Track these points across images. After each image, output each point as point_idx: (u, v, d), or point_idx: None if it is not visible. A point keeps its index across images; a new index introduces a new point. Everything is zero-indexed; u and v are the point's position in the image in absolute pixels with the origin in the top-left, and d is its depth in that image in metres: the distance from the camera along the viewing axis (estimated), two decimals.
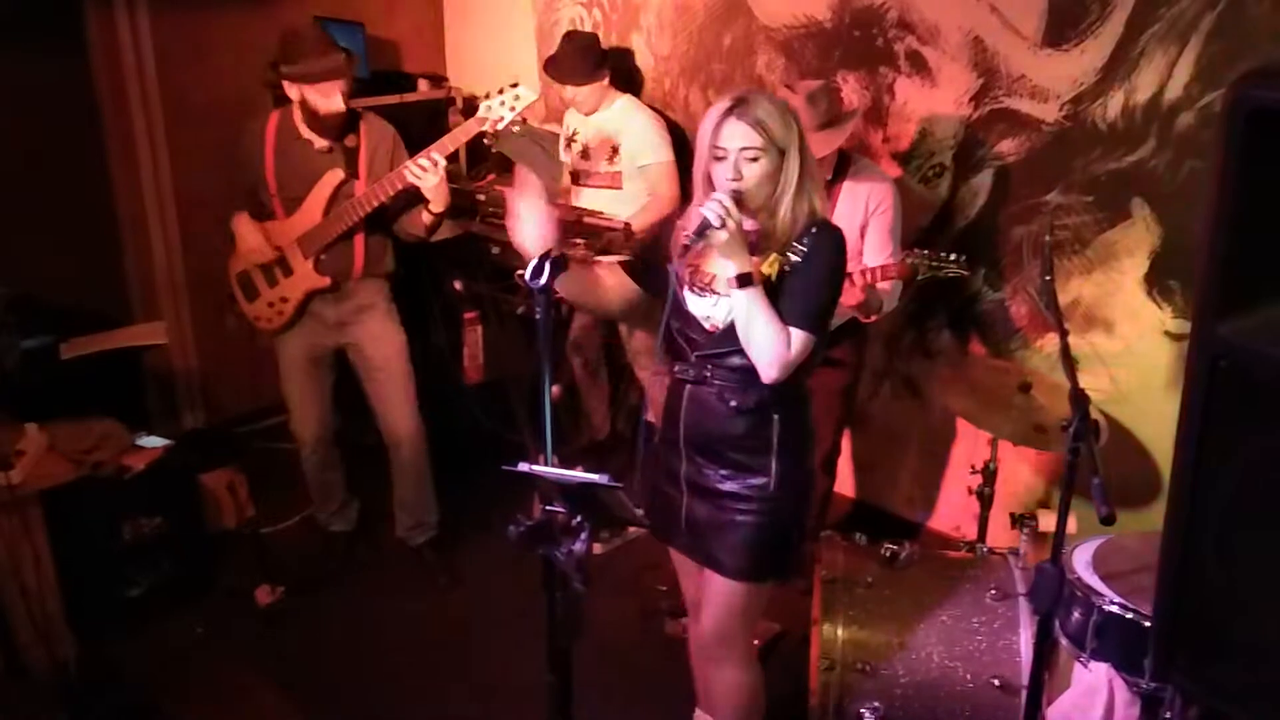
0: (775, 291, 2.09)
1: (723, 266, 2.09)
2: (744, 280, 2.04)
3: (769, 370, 2.08)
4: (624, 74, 4.13)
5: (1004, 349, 3.33)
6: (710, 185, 2.11)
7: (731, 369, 2.15)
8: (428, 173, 3.04)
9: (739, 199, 2.05)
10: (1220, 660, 1.37)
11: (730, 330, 2.12)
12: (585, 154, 3.90)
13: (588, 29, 4.30)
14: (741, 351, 2.11)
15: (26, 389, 3.20)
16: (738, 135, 2.05)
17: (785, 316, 2.07)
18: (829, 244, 2.12)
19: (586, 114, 3.86)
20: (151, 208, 4.21)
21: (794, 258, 2.10)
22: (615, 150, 3.83)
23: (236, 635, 3.28)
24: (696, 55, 4.02)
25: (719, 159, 2.08)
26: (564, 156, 4.05)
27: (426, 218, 3.20)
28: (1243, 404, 1.24)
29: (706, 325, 2.17)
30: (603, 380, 4.21)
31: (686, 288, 2.20)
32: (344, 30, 4.32)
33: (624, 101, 3.87)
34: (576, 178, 3.97)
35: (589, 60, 3.77)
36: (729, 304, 2.11)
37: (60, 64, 3.93)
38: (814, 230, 2.11)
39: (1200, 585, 1.36)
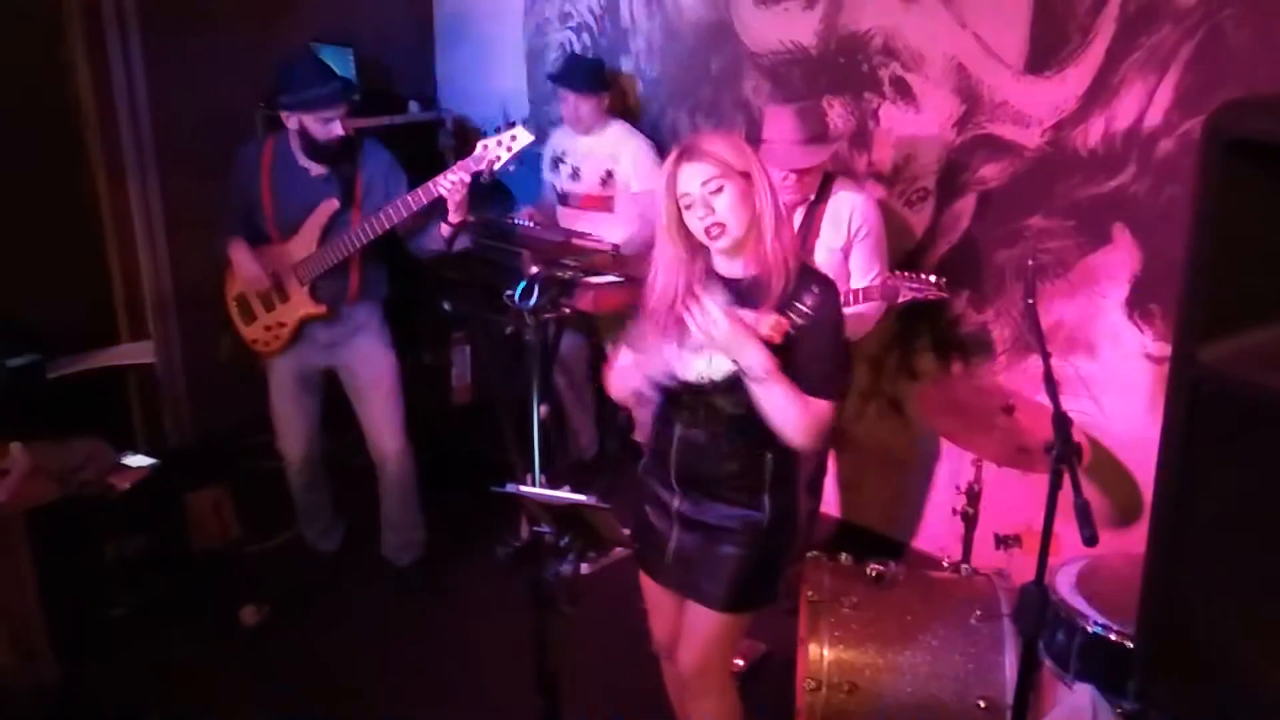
0: (784, 354, 2.04)
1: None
2: (758, 375, 2.00)
3: (802, 442, 2.08)
4: (618, 98, 4.16)
5: (988, 370, 3.36)
6: (682, 234, 2.07)
7: (727, 416, 2.13)
8: (456, 187, 3.03)
9: (721, 233, 2.02)
10: (1202, 683, 1.39)
11: (727, 383, 2.08)
12: (576, 175, 3.91)
13: (577, 52, 4.33)
14: (737, 401, 2.08)
15: (12, 407, 3.19)
16: (695, 173, 2.02)
17: (805, 386, 2.04)
18: (833, 305, 2.11)
19: (582, 132, 3.87)
20: (140, 225, 4.20)
21: (799, 320, 2.05)
22: (610, 174, 3.84)
23: (221, 655, 3.25)
24: (685, 80, 4.05)
25: (688, 207, 2.03)
26: (548, 176, 4.05)
27: (446, 230, 3.18)
28: (1223, 429, 1.26)
29: (701, 381, 2.13)
30: (589, 399, 4.22)
31: (677, 346, 2.13)
32: (335, 53, 4.34)
33: (618, 126, 3.89)
34: (565, 199, 3.98)
35: (595, 75, 3.82)
36: (725, 359, 2.06)
37: (48, 80, 3.93)
38: (815, 289, 2.07)
39: (1182, 608, 1.38)
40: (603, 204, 3.87)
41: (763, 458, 2.17)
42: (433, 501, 3.64)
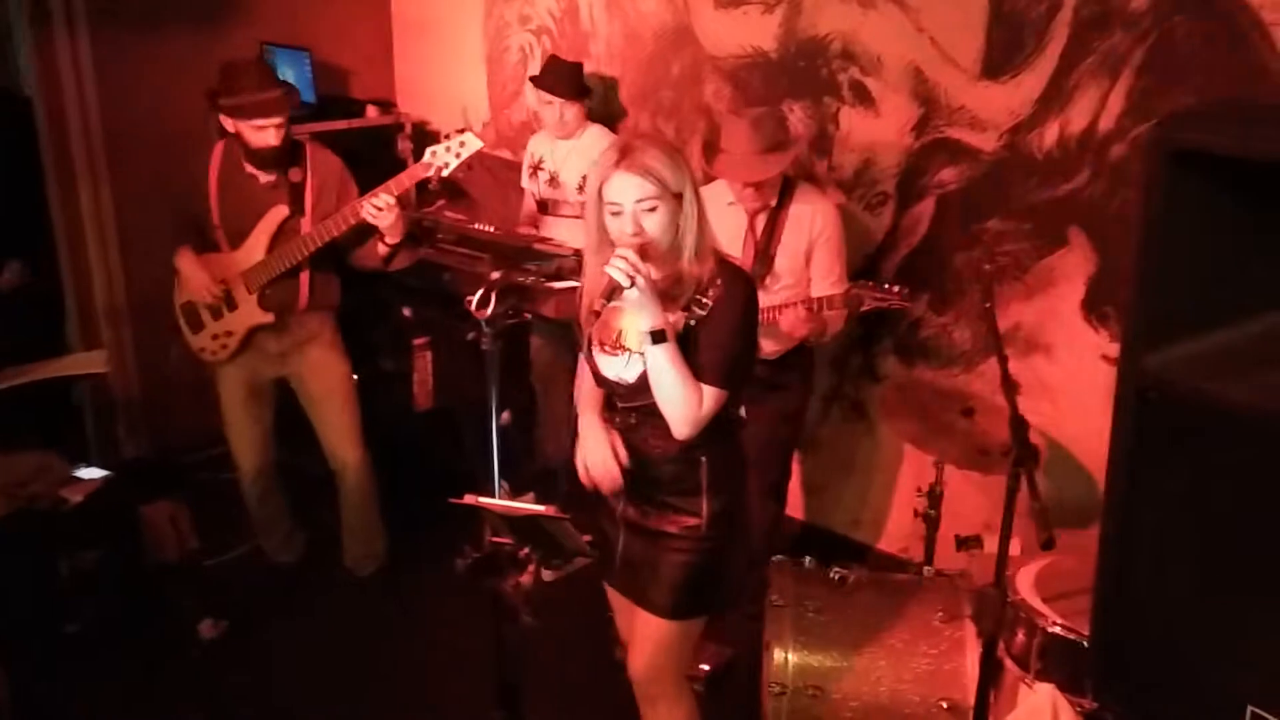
0: (685, 343, 2.05)
1: (634, 322, 2.05)
2: (657, 336, 1.99)
3: (681, 427, 2.05)
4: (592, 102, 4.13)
5: (948, 373, 3.38)
6: (607, 236, 2.06)
7: (657, 415, 2.11)
8: (383, 212, 3.01)
9: (644, 252, 1.99)
10: (1156, 682, 1.40)
11: (646, 381, 2.08)
12: (553, 182, 3.87)
13: (538, 57, 4.31)
14: None
15: None
16: (630, 187, 1.99)
17: (697, 372, 2.03)
18: (739, 294, 2.09)
19: (561, 136, 3.83)
20: (91, 232, 4.12)
21: (700, 311, 2.06)
22: (586, 179, 3.79)
23: (179, 671, 3.19)
24: (645, 83, 4.04)
25: (615, 214, 2.02)
26: (527, 184, 4.01)
27: (382, 249, 3.16)
28: (1171, 435, 1.27)
29: (620, 383, 2.15)
30: (560, 406, 4.19)
31: (596, 348, 2.18)
32: (291, 56, 4.29)
33: (595, 130, 3.85)
34: (544, 206, 3.94)
35: (579, 80, 3.79)
36: (640, 360, 2.08)
37: None
38: (720, 280, 2.07)
39: (1135, 608, 1.39)
40: (582, 210, 3.82)
41: (697, 461, 2.16)
42: (394, 510, 3.60)
